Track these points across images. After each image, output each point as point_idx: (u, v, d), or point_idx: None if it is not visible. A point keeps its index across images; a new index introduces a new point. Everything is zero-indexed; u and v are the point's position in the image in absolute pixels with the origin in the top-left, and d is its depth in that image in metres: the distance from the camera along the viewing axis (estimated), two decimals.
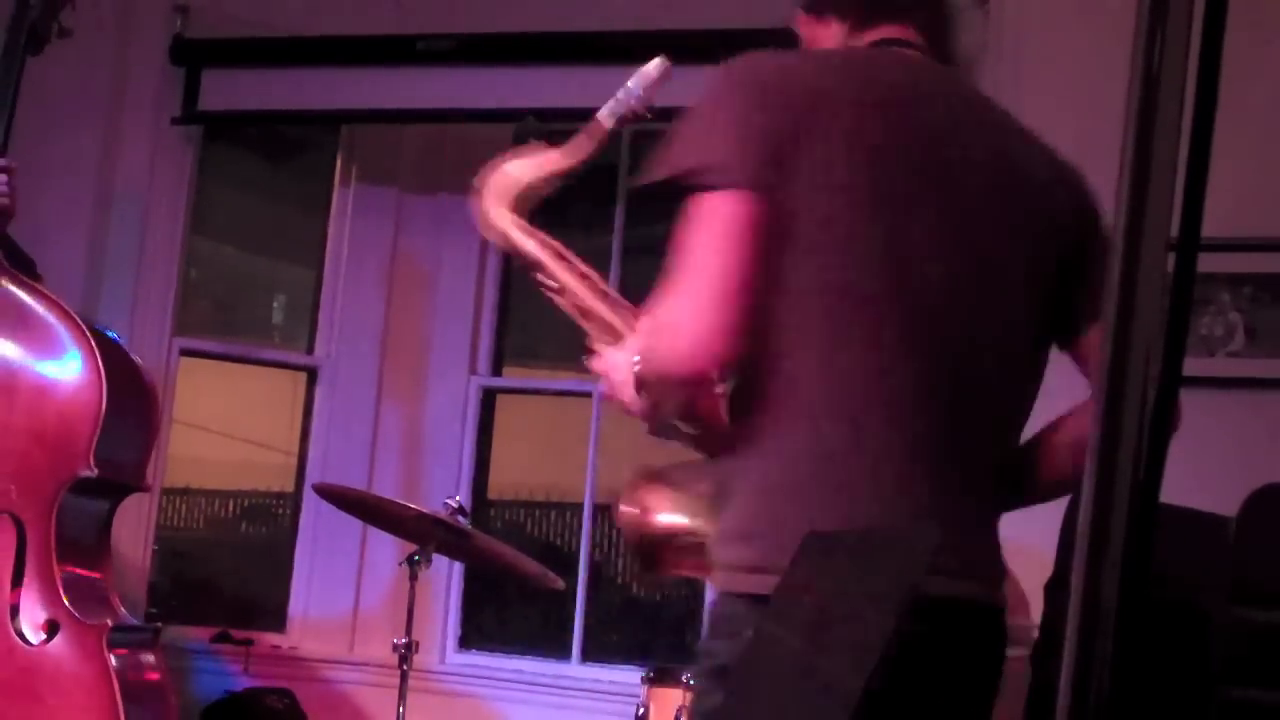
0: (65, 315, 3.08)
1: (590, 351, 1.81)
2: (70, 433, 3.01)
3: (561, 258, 1.85)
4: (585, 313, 1.82)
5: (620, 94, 1.85)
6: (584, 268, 1.85)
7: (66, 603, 2.95)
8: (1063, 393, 1.72)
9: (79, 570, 3.06)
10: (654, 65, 1.86)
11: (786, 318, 1.58)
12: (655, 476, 1.93)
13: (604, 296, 1.83)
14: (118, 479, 3.17)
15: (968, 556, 1.63)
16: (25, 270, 3.18)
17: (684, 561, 1.90)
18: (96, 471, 3.00)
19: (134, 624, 3.20)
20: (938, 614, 1.53)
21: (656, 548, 1.90)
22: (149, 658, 3.17)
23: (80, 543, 3.09)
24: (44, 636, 2.92)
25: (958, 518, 1.62)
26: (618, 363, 1.72)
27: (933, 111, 1.69)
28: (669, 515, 1.89)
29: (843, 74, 1.67)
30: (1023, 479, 1.75)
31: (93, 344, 3.04)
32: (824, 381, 1.58)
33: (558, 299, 1.84)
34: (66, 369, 3.06)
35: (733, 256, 1.55)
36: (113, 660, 2.91)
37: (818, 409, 1.58)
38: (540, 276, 1.85)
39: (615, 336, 1.79)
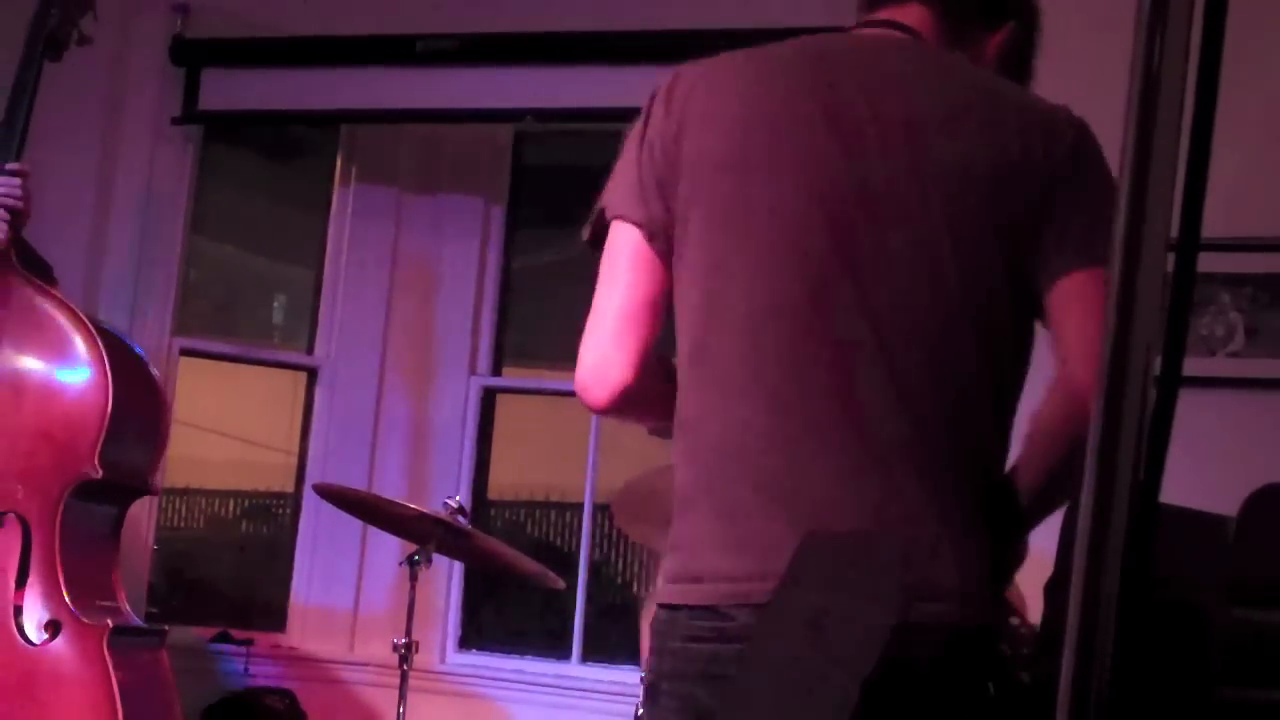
0: (75, 317, 3.11)
1: None
2: (77, 434, 3.03)
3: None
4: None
5: None
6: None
7: (69, 603, 2.96)
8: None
9: (84, 571, 3.07)
10: None
11: (679, 328, 1.64)
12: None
13: None
14: (125, 482, 3.19)
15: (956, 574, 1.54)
16: (42, 274, 3.20)
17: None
18: (101, 473, 3.01)
19: (138, 625, 3.22)
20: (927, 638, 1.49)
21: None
22: (153, 660, 3.17)
23: (86, 544, 3.11)
24: (46, 636, 2.94)
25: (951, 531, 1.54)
26: None
27: (831, 83, 1.62)
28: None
29: (719, 72, 1.70)
30: (1011, 494, 1.62)
31: (101, 347, 3.06)
32: (696, 391, 1.60)
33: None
34: (75, 371, 3.08)
35: (623, 286, 1.64)
36: (113, 661, 2.92)
37: (703, 421, 1.59)
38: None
39: None
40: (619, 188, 1.69)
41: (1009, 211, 1.58)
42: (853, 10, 1.81)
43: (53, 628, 2.94)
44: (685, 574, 1.57)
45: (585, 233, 1.73)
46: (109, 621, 2.97)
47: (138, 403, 3.18)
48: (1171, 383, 0.74)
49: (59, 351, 3.09)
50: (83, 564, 3.07)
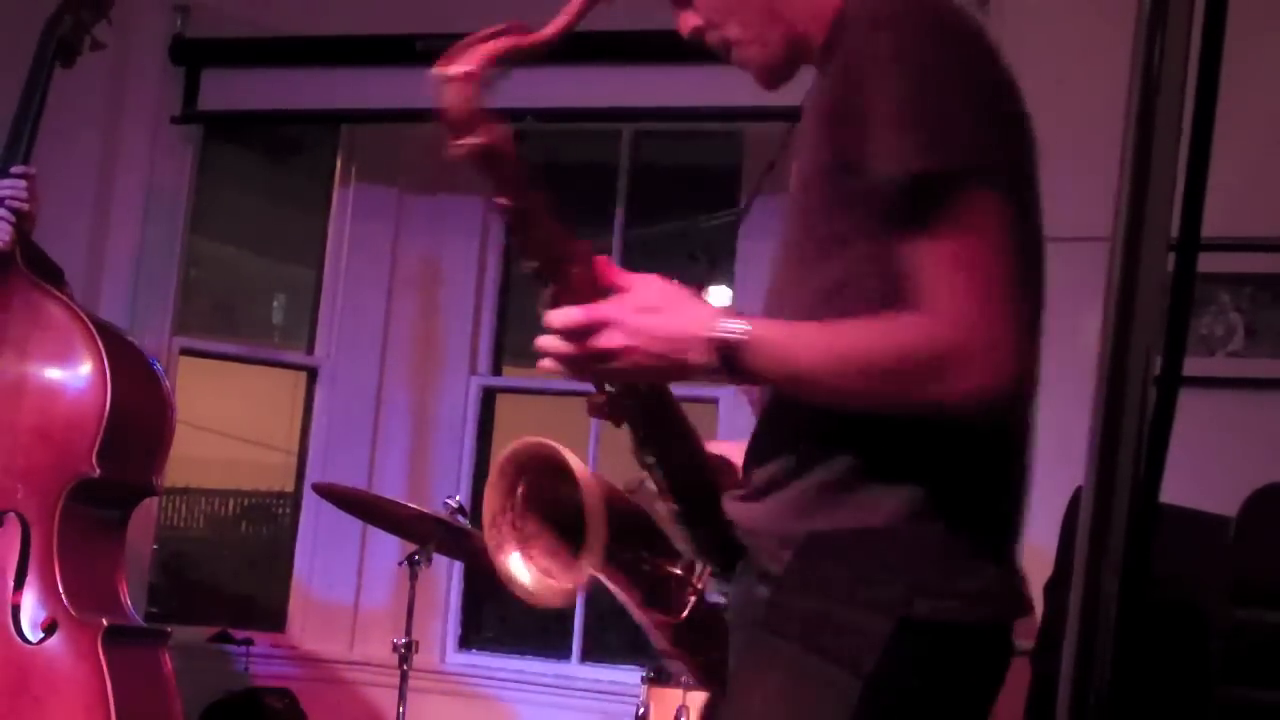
0: (77, 319, 3.12)
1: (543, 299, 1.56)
2: (75, 433, 3.04)
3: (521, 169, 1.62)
4: (527, 220, 1.58)
5: None
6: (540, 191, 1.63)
7: (65, 602, 2.96)
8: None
9: (83, 571, 3.08)
10: None
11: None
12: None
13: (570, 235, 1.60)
14: (126, 481, 3.19)
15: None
16: (51, 277, 3.21)
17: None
18: (99, 472, 3.02)
19: (137, 625, 3.21)
20: (976, 639, 1.53)
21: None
22: (153, 659, 3.17)
23: (86, 543, 3.11)
24: (43, 635, 2.94)
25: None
26: (666, 326, 1.50)
27: None
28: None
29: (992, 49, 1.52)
30: None
31: (101, 348, 3.08)
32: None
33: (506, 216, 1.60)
34: (75, 371, 3.09)
35: (1015, 275, 1.41)
36: (107, 661, 2.92)
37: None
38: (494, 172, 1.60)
39: (567, 281, 1.55)
40: (996, 151, 1.43)
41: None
42: None
43: (49, 627, 2.95)
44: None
45: (949, 165, 1.39)
46: (104, 621, 2.98)
47: (139, 403, 3.19)
48: (1171, 383, 0.74)
49: (60, 352, 3.11)
50: (82, 563, 3.08)
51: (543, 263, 1.54)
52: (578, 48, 4.92)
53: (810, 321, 1.47)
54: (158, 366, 3.39)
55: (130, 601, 3.25)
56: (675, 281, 1.56)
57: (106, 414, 3.04)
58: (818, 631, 1.47)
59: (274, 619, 4.72)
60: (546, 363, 1.56)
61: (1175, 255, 0.74)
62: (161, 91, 4.56)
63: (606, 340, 1.51)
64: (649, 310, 1.51)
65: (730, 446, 1.71)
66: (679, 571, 1.73)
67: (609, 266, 1.57)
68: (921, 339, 1.39)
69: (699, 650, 1.73)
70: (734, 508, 1.61)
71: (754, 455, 1.60)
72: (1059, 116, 3.59)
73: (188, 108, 4.58)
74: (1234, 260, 3.42)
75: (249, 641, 4.48)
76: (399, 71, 4.46)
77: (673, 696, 3.15)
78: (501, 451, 1.67)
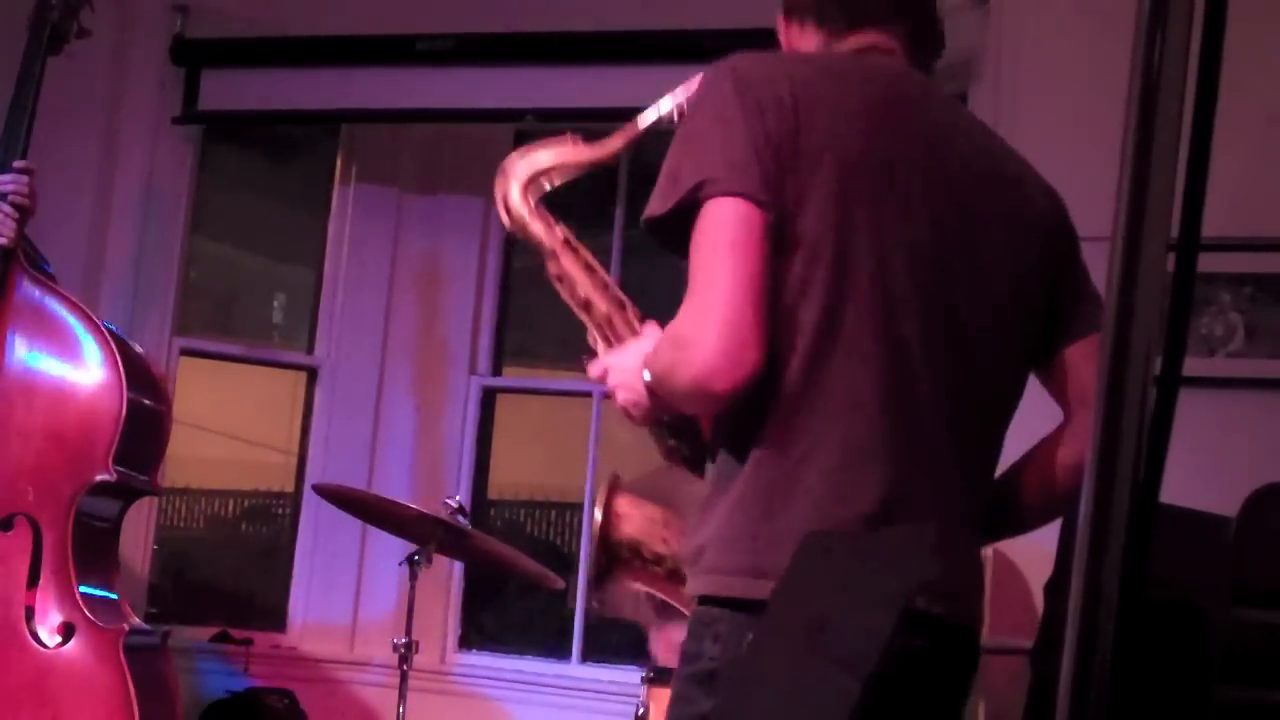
0: (87, 318, 3.10)
1: (590, 353, 1.81)
2: (90, 436, 3.02)
3: (569, 245, 1.86)
4: (586, 305, 1.83)
5: (664, 102, 1.86)
6: (590, 259, 1.86)
7: (83, 606, 2.94)
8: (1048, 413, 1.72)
9: (94, 573, 3.07)
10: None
11: (777, 330, 1.55)
12: (632, 486, 1.93)
13: (606, 289, 1.84)
14: (134, 483, 3.18)
15: (959, 575, 1.66)
16: (38, 269, 3.20)
17: (640, 574, 1.91)
18: (115, 476, 3.00)
19: (146, 628, 3.21)
20: (928, 633, 1.56)
21: (617, 556, 1.89)
22: (160, 661, 3.17)
23: (95, 546, 3.10)
24: (60, 640, 2.92)
25: (953, 532, 1.63)
26: (624, 366, 1.71)
27: (920, 118, 1.69)
28: (641, 524, 1.89)
29: (829, 80, 1.66)
30: (1006, 504, 1.77)
31: (114, 348, 3.06)
32: (810, 392, 1.56)
33: (560, 287, 1.85)
34: (87, 372, 3.07)
35: (749, 265, 1.52)
36: (128, 665, 2.91)
37: (807, 419, 1.57)
38: (548, 262, 1.85)
39: (613, 333, 1.80)
40: (727, 164, 1.56)
41: (1047, 267, 1.73)
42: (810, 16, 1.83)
43: (66, 630, 2.92)
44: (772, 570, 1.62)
45: (663, 205, 1.59)
46: (124, 625, 2.97)
47: (147, 404, 3.18)
48: (1171, 383, 0.74)
49: (71, 352, 3.08)
50: (93, 566, 3.07)
51: (587, 317, 1.82)
52: (578, 48, 4.96)
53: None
54: (157, 365, 3.38)
55: (128, 601, 3.25)
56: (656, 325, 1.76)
57: (124, 416, 3.02)
58: (816, 631, 1.47)
59: (274, 619, 4.72)
60: None
61: (1175, 255, 0.74)
62: (161, 91, 4.56)
63: (609, 382, 1.73)
64: (620, 354, 1.74)
65: None
66: None
67: (646, 326, 1.81)
68: (666, 336, 1.60)
69: None
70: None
71: None
72: (1059, 116, 3.60)
73: (188, 108, 4.58)
74: (1234, 260, 3.42)
75: (249, 641, 4.49)
76: (399, 71, 4.47)
77: None
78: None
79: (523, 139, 5.15)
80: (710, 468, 1.66)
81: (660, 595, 1.97)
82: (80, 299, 3.26)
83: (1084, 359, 1.72)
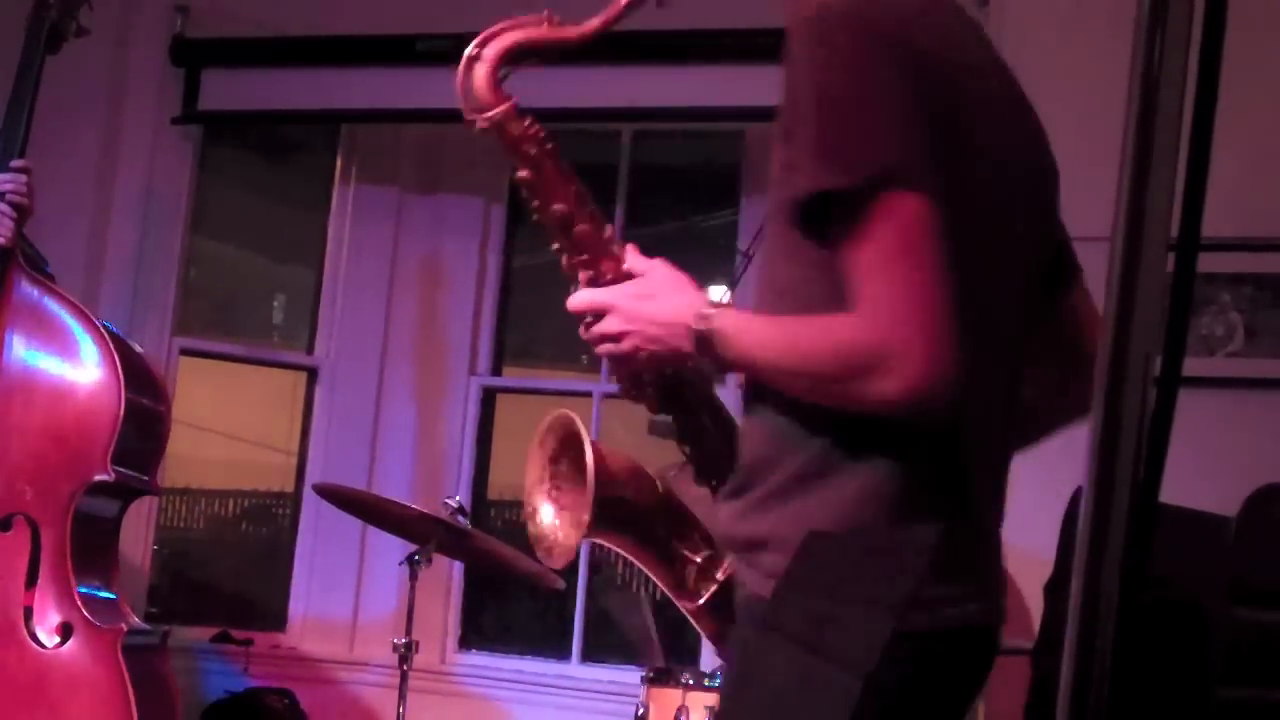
0: (85, 318, 3.10)
1: (574, 280, 1.67)
2: (89, 436, 3.01)
3: (545, 148, 1.72)
4: (562, 221, 1.68)
5: None
6: (568, 167, 1.72)
7: (81, 606, 2.94)
8: None
9: (93, 574, 3.06)
10: None
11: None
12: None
13: (584, 204, 1.70)
14: (133, 483, 3.18)
15: (996, 577, 1.61)
16: (37, 269, 3.19)
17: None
18: (114, 476, 3.00)
19: (145, 627, 3.21)
20: (965, 641, 1.53)
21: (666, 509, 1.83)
22: (159, 661, 3.16)
23: (94, 546, 3.09)
24: (58, 640, 2.91)
25: (992, 533, 1.61)
26: (646, 312, 1.57)
27: (1000, 71, 1.61)
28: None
29: (955, 27, 1.54)
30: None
31: (112, 348, 3.05)
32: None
33: (533, 196, 1.70)
34: (86, 372, 3.06)
35: (943, 274, 1.39)
36: (126, 665, 2.91)
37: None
38: (520, 165, 1.71)
39: (591, 256, 1.67)
40: (904, 148, 1.40)
41: (1052, 209, 1.69)
42: None
43: (64, 631, 2.92)
44: None
45: (843, 179, 1.39)
46: (123, 625, 2.96)
47: (145, 403, 3.18)
48: (1171, 383, 0.74)
49: (69, 352, 3.08)
50: (92, 566, 3.06)
51: (562, 242, 1.65)
52: (578, 48, 4.92)
53: (769, 315, 1.52)
54: (157, 365, 3.38)
55: (128, 601, 3.25)
56: (679, 270, 1.62)
57: (121, 416, 3.01)
58: (817, 631, 1.47)
59: (274, 619, 4.72)
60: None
61: (1175, 255, 0.74)
62: (161, 91, 4.56)
63: (608, 325, 1.59)
64: (645, 297, 1.59)
65: None
66: (699, 560, 1.79)
67: (625, 250, 1.66)
68: (851, 337, 1.40)
69: (723, 628, 1.77)
70: (714, 511, 1.67)
71: (740, 460, 1.61)
72: (1058, 116, 3.60)
73: (188, 108, 4.58)
74: (1234, 260, 3.42)
75: (249, 641, 4.49)
76: (399, 71, 4.47)
77: (673, 696, 3.15)
78: (542, 422, 1.87)
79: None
80: (757, 453, 1.54)
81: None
82: (80, 299, 3.25)
83: (1084, 299, 1.67)
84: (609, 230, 1.70)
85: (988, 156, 1.51)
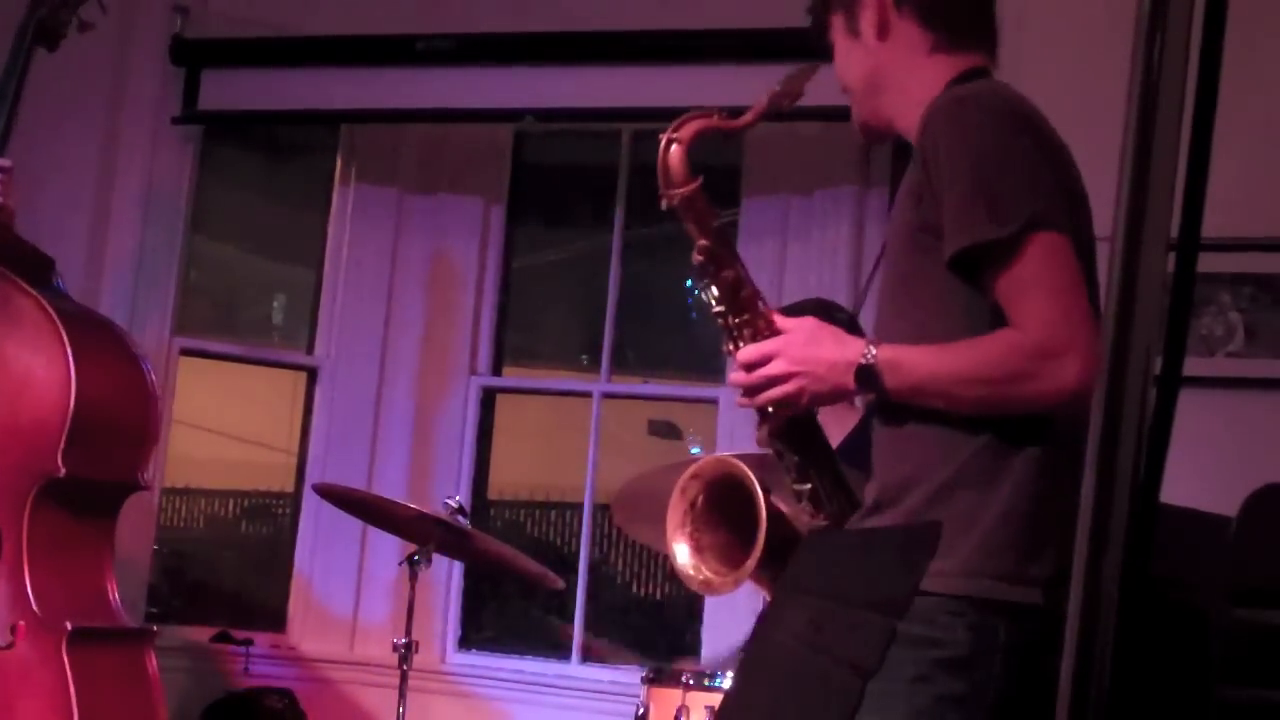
0: (42, 310, 3.03)
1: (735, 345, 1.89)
2: (40, 432, 2.96)
3: (720, 231, 1.94)
4: (735, 291, 1.90)
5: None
6: (733, 245, 1.96)
7: (34, 606, 2.90)
8: None
9: (60, 573, 3.01)
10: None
11: None
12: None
13: (749, 281, 1.93)
14: (103, 479, 3.13)
15: None
16: (42, 270, 3.16)
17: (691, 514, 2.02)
18: (64, 471, 2.95)
19: (113, 626, 3.14)
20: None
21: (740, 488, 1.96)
22: (131, 660, 3.11)
23: (64, 544, 3.04)
24: (11, 639, 2.88)
25: None
26: (814, 356, 1.81)
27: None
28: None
29: (1044, 118, 1.84)
30: None
31: (66, 342, 2.99)
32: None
33: (708, 274, 1.91)
34: (41, 367, 3.00)
35: (1082, 286, 1.72)
36: (72, 663, 2.86)
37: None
38: (705, 242, 1.91)
39: (752, 325, 1.89)
40: (1050, 198, 1.74)
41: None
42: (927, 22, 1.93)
43: (19, 631, 2.89)
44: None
45: (1000, 230, 1.71)
46: (68, 624, 2.91)
47: (115, 397, 3.12)
48: (1171, 383, 0.74)
49: (29, 347, 3.02)
50: (59, 565, 3.01)
51: (729, 304, 1.89)
52: (578, 48, 4.95)
53: (925, 346, 1.78)
54: (142, 358, 3.30)
55: (124, 601, 3.20)
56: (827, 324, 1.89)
57: (71, 411, 2.95)
58: (818, 631, 1.47)
59: (274, 619, 4.72)
60: (737, 398, 1.90)
61: (1175, 255, 0.74)
62: (161, 91, 4.56)
63: (776, 368, 1.82)
64: (810, 343, 1.84)
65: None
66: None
67: (773, 313, 1.92)
68: (1016, 346, 1.70)
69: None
70: (862, 522, 1.83)
71: (873, 474, 1.86)
72: (1059, 117, 3.60)
73: (188, 108, 4.58)
74: (1234, 260, 3.42)
75: (249, 641, 4.48)
76: (399, 71, 4.47)
77: (673, 696, 3.15)
78: (687, 471, 2.05)
79: (523, 139, 5.17)
80: (935, 449, 1.75)
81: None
82: (80, 299, 3.22)
83: None
84: (762, 297, 1.94)
85: (1085, 220, 1.80)
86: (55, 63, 3.32)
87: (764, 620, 1.55)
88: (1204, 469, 2.68)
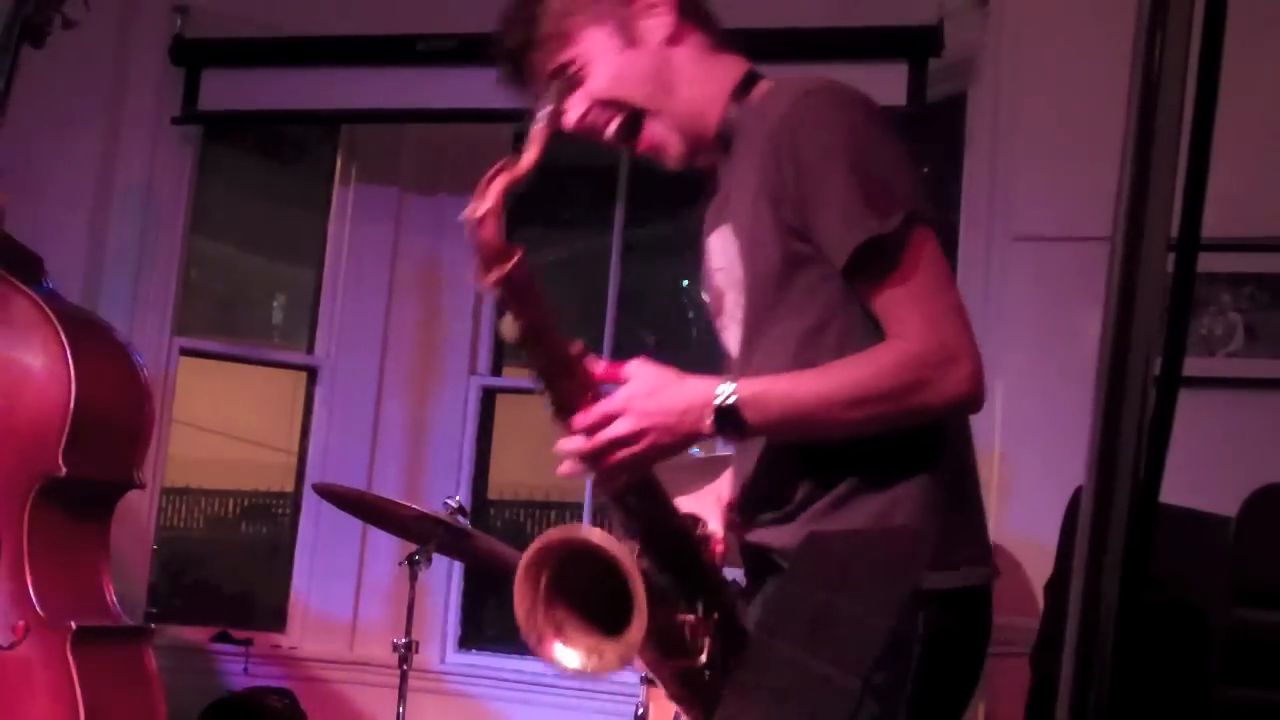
0: (38, 309, 3.04)
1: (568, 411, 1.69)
2: (40, 432, 2.97)
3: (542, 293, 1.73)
4: (564, 360, 1.69)
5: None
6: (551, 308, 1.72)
7: (37, 605, 2.91)
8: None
9: (59, 572, 3.02)
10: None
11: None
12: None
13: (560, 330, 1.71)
14: (101, 478, 3.13)
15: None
16: (31, 269, 3.16)
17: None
18: (66, 471, 2.96)
19: (114, 625, 3.15)
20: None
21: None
22: (132, 658, 3.12)
23: (63, 543, 3.05)
24: (15, 639, 2.89)
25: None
26: (667, 405, 1.65)
27: None
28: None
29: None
30: None
31: (64, 341, 3.00)
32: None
33: (536, 337, 1.69)
34: (38, 366, 3.01)
35: (955, 287, 1.69)
36: (77, 662, 2.87)
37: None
38: (525, 311, 1.70)
39: (582, 383, 1.69)
40: (918, 188, 1.69)
41: None
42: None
43: (20, 631, 2.90)
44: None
45: (885, 225, 1.64)
46: (72, 623, 2.92)
47: (111, 396, 3.13)
48: (1171, 383, 0.74)
49: (25, 347, 3.03)
50: (58, 564, 3.02)
51: (546, 374, 1.69)
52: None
53: (795, 372, 1.69)
54: (134, 355, 3.31)
55: (124, 601, 3.21)
56: (663, 364, 1.72)
57: (71, 410, 2.96)
58: (816, 631, 1.47)
59: (274, 619, 4.72)
60: (565, 466, 1.70)
61: (1175, 255, 0.74)
62: (161, 91, 4.56)
63: (621, 428, 1.65)
64: (653, 393, 1.67)
65: (689, 501, 1.86)
66: (693, 619, 1.75)
67: (600, 365, 1.72)
68: (899, 361, 1.63)
69: (712, 697, 1.73)
70: (767, 533, 1.79)
71: (761, 491, 1.79)
72: (1059, 117, 3.60)
73: (188, 108, 4.58)
74: (1234, 260, 3.42)
75: (249, 641, 4.49)
76: (399, 71, 4.46)
77: None
78: (525, 553, 1.74)
79: (523, 139, 5.14)
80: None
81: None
82: (80, 299, 3.23)
83: None
84: (590, 349, 1.73)
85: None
86: (55, 62, 3.31)
87: (757, 627, 1.56)
88: (1204, 469, 2.68)
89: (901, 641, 1.61)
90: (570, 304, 5.15)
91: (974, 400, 1.65)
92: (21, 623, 2.90)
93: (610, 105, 1.90)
